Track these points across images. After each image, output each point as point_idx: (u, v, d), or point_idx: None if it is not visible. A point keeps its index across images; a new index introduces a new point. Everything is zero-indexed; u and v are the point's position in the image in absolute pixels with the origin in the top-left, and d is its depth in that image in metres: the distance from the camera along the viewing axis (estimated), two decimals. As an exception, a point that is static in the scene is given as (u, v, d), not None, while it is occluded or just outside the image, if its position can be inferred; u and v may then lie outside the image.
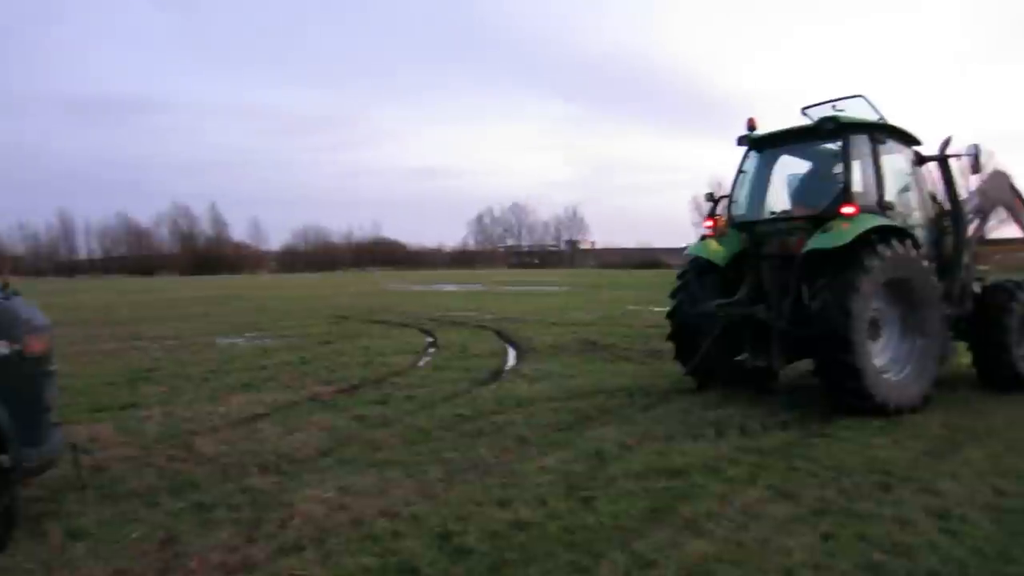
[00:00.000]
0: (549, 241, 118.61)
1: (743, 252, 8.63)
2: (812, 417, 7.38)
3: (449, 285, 44.27)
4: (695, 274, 8.78)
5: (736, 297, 8.47)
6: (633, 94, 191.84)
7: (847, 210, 7.47)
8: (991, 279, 9.49)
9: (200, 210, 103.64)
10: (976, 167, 8.90)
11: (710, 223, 8.95)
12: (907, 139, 8.64)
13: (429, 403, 8.26)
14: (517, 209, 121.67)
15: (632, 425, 7.09)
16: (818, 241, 7.40)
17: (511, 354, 12.75)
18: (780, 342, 7.97)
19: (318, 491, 5.14)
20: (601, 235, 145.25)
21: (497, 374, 10.49)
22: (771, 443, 6.43)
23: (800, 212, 8.36)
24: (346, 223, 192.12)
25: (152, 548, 4.26)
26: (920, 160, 8.76)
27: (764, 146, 8.85)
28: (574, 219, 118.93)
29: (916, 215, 8.53)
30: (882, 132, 8.21)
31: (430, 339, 15.03)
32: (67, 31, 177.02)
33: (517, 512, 4.70)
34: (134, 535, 4.44)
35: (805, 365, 8.42)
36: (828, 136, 8.08)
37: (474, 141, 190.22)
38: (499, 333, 15.80)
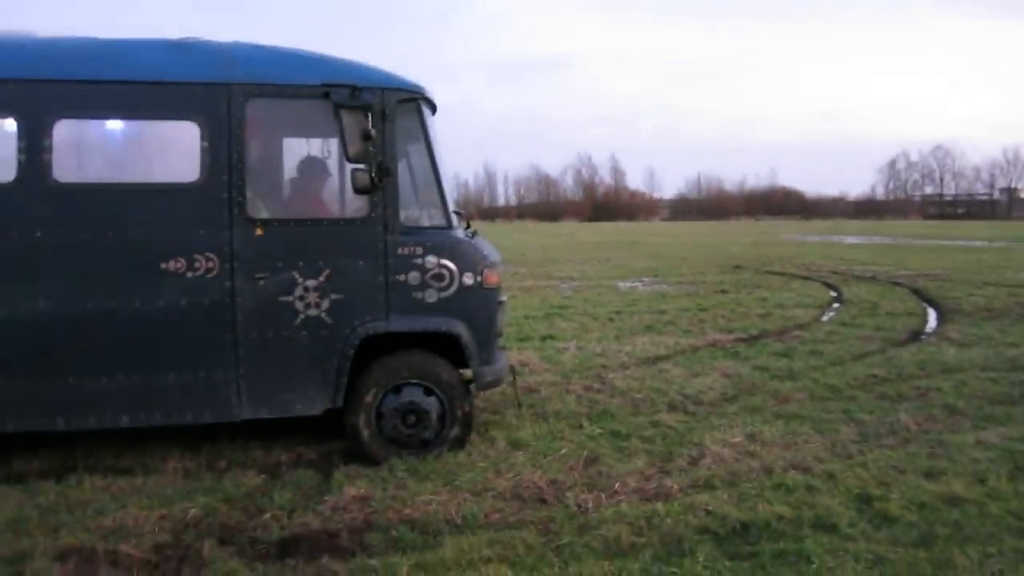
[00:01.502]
0: (980, 189, 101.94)
1: None
2: None
3: (853, 238, 40.87)
4: None
5: None
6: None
7: None
8: None
9: (601, 159, 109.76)
10: None
11: None
12: None
13: (838, 360, 7.84)
14: (940, 152, 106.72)
15: (1098, 407, 5.93)
16: None
17: (932, 315, 11.42)
18: None
19: (726, 435, 5.25)
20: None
21: (916, 335, 9.50)
22: None
23: None
24: (740, 171, 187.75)
25: (578, 465, 4.77)
26: None
27: None
28: (1015, 162, 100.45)
29: None
30: None
31: (834, 293, 14.14)
32: (488, 4, 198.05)
33: (949, 485, 4.27)
34: (562, 451, 5.01)
35: None
36: None
37: (890, 76, 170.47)
38: (916, 291, 14.23)
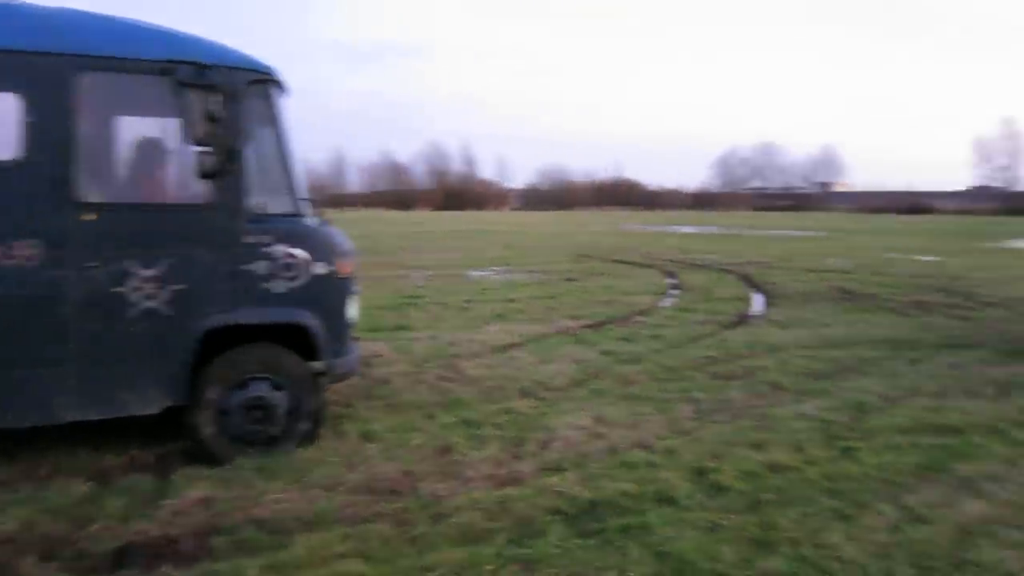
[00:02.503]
0: (800, 183, 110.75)
1: None
2: (1123, 384, 6.44)
3: (689, 227, 43.31)
4: None
5: None
6: (903, 17, 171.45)
7: None
8: None
9: (453, 148, 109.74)
10: None
11: None
12: None
13: (676, 343, 8.31)
14: (766, 148, 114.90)
15: (897, 378, 6.65)
16: None
17: (758, 300, 12.34)
18: None
19: (575, 418, 5.44)
20: (861, 176, 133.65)
21: (744, 318, 10.24)
22: (1069, 409, 5.73)
23: None
24: (588, 163, 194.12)
25: (431, 454, 4.78)
26: None
27: None
28: (830, 159, 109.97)
29: None
30: None
31: (672, 280, 14.95)
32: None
33: (773, 455, 4.66)
34: (415, 442, 5.00)
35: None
36: None
37: (721, 78, 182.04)
38: (744, 277, 15.32)
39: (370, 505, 4.02)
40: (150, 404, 4.52)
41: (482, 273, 16.42)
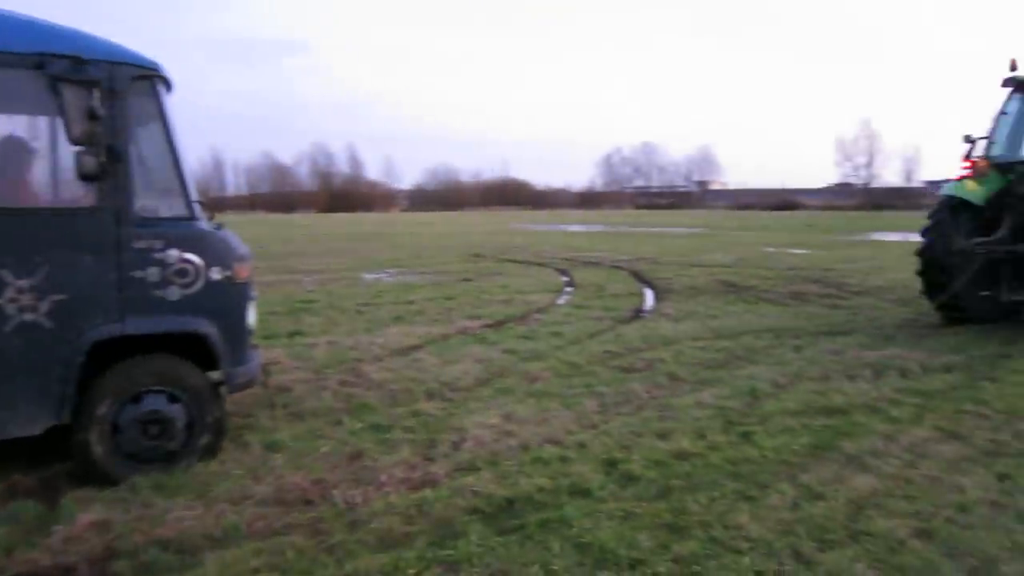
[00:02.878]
0: (679, 182, 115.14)
1: (1002, 192, 8.74)
2: (979, 361, 7.07)
3: (575, 226, 44.24)
4: (949, 213, 8.88)
5: (998, 235, 8.64)
6: (774, 23, 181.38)
7: None
8: None
9: (338, 148, 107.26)
10: None
11: (968, 164, 9.01)
12: None
13: (576, 339, 8.46)
14: (647, 148, 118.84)
15: (784, 365, 7.03)
16: None
17: (649, 295, 12.75)
18: None
19: (484, 417, 5.45)
20: (734, 175, 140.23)
21: (638, 313, 10.56)
22: (935, 385, 6.24)
23: None
24: (475, 163, 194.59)
25: (342, 461, 4.67)
26: None
27: None
28: (707, 159, 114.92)
29: None
30: None
31: (566, 278, 15.22)
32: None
33: (678, 443, 4.83)
34: (324, 449, 4.88)
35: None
36: None
37: (604, 78, 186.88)
38: (635, 274, 15.79)
39: (281, 517, 3.89)
40: (32, 425, 4.21)
41: (375, 276, 16.20)
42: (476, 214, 77.87)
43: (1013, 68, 9.00)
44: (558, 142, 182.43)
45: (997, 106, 9.26)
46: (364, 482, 4.33)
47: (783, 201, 79.96)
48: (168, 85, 4.78)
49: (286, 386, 6.45)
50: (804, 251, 22.08)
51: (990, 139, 9.15)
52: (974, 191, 8.78)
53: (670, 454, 4.65)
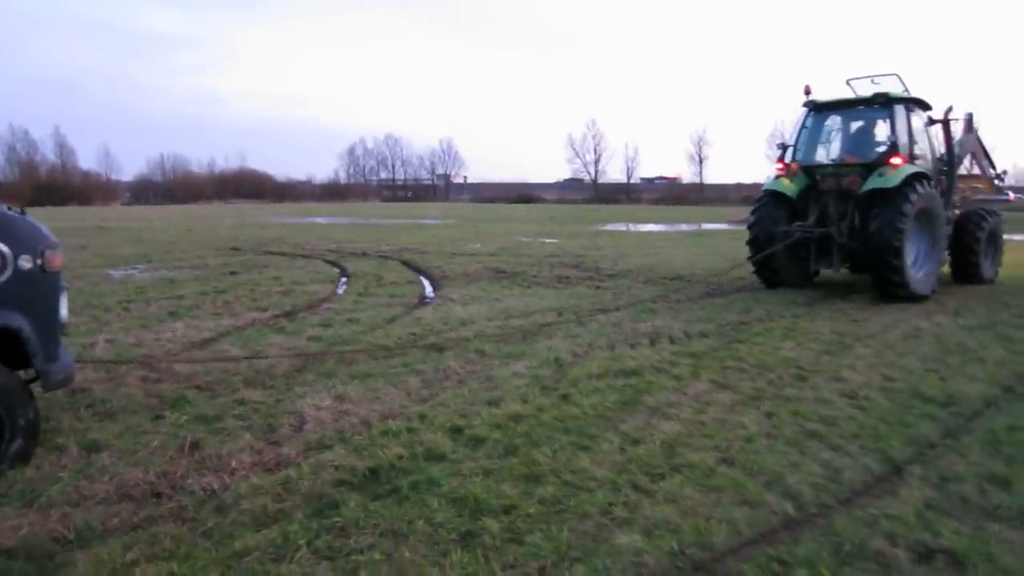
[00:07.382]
0: (423, 175, 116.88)
1: (807, 188, 11.57)
2: (725, 328, 8.38)
3: (324, 218, 43.45)
4: (772, 203, 11.75)
5: (809, 221, 11.47)
6: (510, 25, 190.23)
7: (896, 160, 10.48)
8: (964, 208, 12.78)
9: (43, 135, 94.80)
10: (969, 128, 12.83)
11: (781, 166, 11.84)
12: (924, 106, 11.81)
13: (375, 325, 8.63)
14: (391, 141, 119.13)
15: (575, 338, 7.80)
16: (876, 182, 10.40)
17: (426, 282, 13.16)
18: (840, 252, 11.18)
19: (316, 400, 5.50)
20: (475, 169, 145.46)
21: (424, 299, 10.93)
22: (700, 348, 7.33)
23: (852, 160, 11.37)
24: (208, 153, 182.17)
25: (180, 453, 4.52)
26: (931, 122, 11.97)
27: (823, 109, 11.98)
28: (449, 152, 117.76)
29: (929, 163, 11.51)
30: (913, 103, 11.40)
31: (338, 269, 15.14)
32: None
33: (510, 408, 5.29)
34: (154, 444, 4.66)
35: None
36: (880, 106, 11.19)
37: (346, 70, 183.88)
38: (405, 263, 16.13)
39: (136, 512, 3.74)
40: None
41: (124, 272, 14.90)
42: (213, 207, 73.14)
43: (807, 93, 11.92)
44: (298, 132, 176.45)
45: (798, 121, 12.22)
46: (214, 470, 4.26)
47: (521, 195, 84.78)
48: None
49: (80, 386, 5.94)
50: (555, 240, 23.85)
51: (795, 147, 11.90)
52: (788, 187, 11.53)
53: (506, 417, 5.09)
